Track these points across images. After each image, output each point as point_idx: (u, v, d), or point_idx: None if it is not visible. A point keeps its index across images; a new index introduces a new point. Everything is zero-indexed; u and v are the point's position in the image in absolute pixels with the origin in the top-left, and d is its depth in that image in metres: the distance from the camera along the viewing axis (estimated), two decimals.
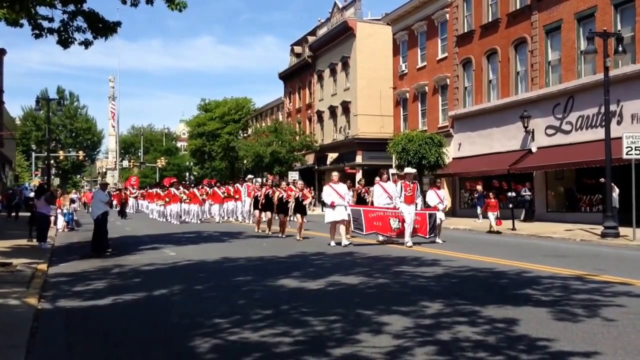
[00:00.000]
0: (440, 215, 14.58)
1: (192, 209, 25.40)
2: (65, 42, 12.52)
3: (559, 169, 22.08)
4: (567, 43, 21.86)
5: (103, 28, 12.40)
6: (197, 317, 6.15)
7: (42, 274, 9.61)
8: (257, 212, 18.81)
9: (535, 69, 23.30)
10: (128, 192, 36.76)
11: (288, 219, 17.70)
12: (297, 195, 16.03)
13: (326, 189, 14.00)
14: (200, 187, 27.11)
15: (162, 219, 27.12)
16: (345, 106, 38.41)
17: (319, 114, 42.72)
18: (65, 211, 21.84)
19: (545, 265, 9.83)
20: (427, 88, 30.57)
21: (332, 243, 13.51)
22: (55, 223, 19.89)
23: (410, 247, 12.80)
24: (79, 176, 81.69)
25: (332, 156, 39.58)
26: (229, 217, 25.92)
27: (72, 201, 24.87)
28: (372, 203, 15.55)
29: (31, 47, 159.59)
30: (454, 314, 5.97)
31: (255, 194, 18.98)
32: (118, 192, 34.56)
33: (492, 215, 18.54)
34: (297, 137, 41.92)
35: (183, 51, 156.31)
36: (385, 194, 14.27)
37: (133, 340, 5.41)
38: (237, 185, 25.87)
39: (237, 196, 25.04)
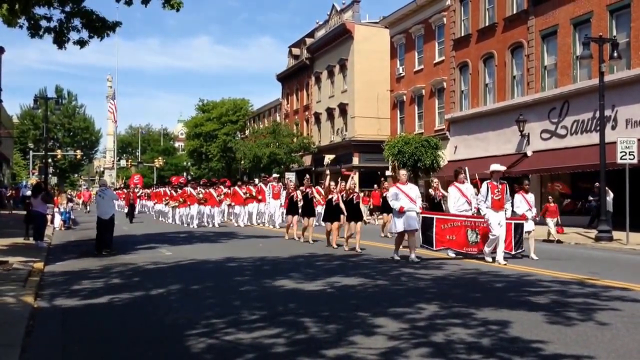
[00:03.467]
0: (528, 226, 11.91)
1: (209, 210, 22.87)
2: (61, 42, 12.52)
3: (554, 172, 22.17)
4: (563, 48, 21.97)
5: (100, 27, 12.40)
6: (193, 316, 6.17)
7: (38, 273, 9.63)
8: (290, 216, 16.37)
9: (532, 74, 23.41)
10: (130, 191, 32.27)
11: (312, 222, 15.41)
12: (350, 197, 13.32)
13: (393, 191, 11.35)
14: (216, 186, 24.29)
15: (174, 222, 24.47)
16: (343, 108, 38.47)
17: (317, 116, 42.77)
18: (62, 210, 21.83)
19: (540, 268, 9.89)
20: (424, 91, 30.65)
21: (397, 256, 11.09)
22: (52, 222, 19.88)
23: (500, 263, 10.41)
24: (76, 175, 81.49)
25: (329, 158, 39.62)
26: (251, 221, 22.91)
27: (70, 200, 24.86)
28: (427, 207, 12.94)
29: (28, 45, 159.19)
30: (449, 316, 6.01)
31: (290, 195, 16.45)
32: (126, 192, 31.16)
33: (551, 222, 16.07)
34: (295, 139, 41.96)
35: (180, 51, 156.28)
36: (463, 197, 11.79)
37: (129, 339, 5.43)
38: (261, 184, 23.14)
39: (260, 197, 22.24)
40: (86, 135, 70.19)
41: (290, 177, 34.10)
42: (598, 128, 17.10)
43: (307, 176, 16.63)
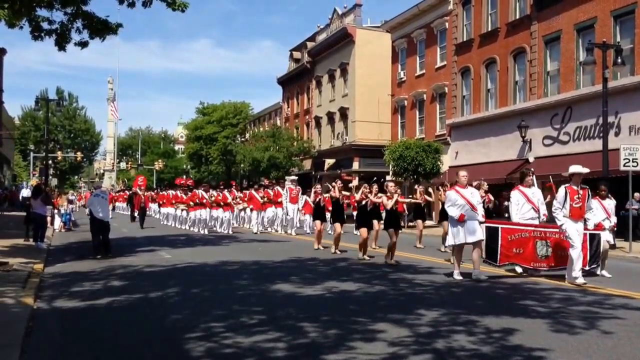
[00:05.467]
0: (606, 236, 10.21)
1: (222, 215, 20.93)
2: (62, 44, 12.50)
3: (556, 179, 22.09)
4: (566, 54, 21.97)
5: (102, 29, 12.40)
6: (192, 320, 6.14)
7: (38, 274, 9.62)
8: (318, 222, 14.89)
9: (534, 79, 23.40)
10: (141, 194, 27.22)
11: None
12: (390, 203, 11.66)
13: (451, 196, 9.53)
14: (229, 189, 22.42)
15: (183, 227, 23.24)
16: (343, 112, 38.48)
17: (317, 120, 42.78)
18: (62, 211, 21.81)
19: (543, 276, 9.82)
20: (425, 96, 30.65)
21: (458, 276, 9.23)
22: (52, 223, 19.85)
23: (584, 284, 8.68)
24: (76, 177, 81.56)
25: (329, 162, 39.61)
26: (267, 227, 21.23)
27: (70, 201, 24.81)
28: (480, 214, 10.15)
29: (29, 46, 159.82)
30: (450, 323, 5.97)
31: (317, 199, 15.21)
32: (129, 193, 28.74)
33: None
34: (295, 143, 41.96)
35: (181, 53, 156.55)
36: (529, 204, 10.09)
37: (127, 341, 5.41)
38: (278, 187, 21.30)
39: (278, 201, 20.53)
40: (87, 137, 70.31)
41: (292, 179, 33.94)
42: (601, 134, 17.05)
43: (339, 180, 15.05)
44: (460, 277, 9.20)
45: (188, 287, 8.45)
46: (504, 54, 24.95)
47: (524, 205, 10.13)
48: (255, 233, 20.13)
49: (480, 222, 9.47)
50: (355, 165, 36.27)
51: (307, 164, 42.44)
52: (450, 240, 9.58)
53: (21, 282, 8.52)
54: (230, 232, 20.42)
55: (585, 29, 21.07)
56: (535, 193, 10.31)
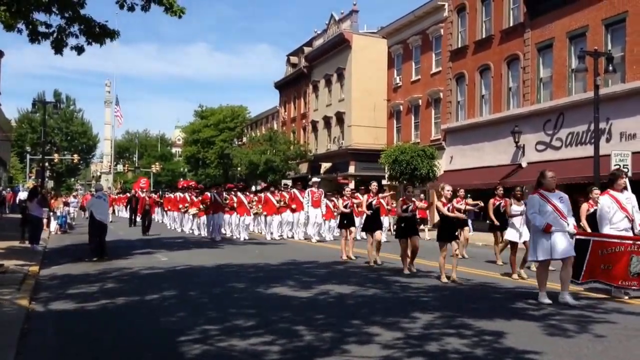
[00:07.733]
0: None
1: (237, 219, 19.24)
2: (58, 48, 12.52)
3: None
4: (559, 61, 22.17)
5: (99, 34, 12.42)
6: (187, 322, 6.19)
7: (33, 276, 9.63)
8: (344, 231, 13.43)
9: (527, 85, 23.59)
10: (145, 196, 24.57)
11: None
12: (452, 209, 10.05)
13: (535, 201, 7.87)
14: (244, 192, 20.68)
15: (195, 232, 21.72)
16: (340, 117, 38.61)
17: (314, 124, 42.89)
18: (58, 214, 21.77)
19: (534, 279, 9.87)
20: (420, 101, 30.81)
21: (545, 299, 7.68)
22: (48, 225, 19.83)
23: None
24: (73, 179, 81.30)
25: (325, 166, 39.69)
26: (283, 234, 19.62)
27: (66, 204, 24.76)
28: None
29: (27, 49, 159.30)
30: (443, 326, 6.03)
31: (345, 203, 13.78)
32: (134, 196, 26.48)
33: None
34: (292, 147, 42.06)
35: (178, 57, 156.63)
36: (622, 212, 8.35)
37: (123, 344, 5.46)
38: (294, 190, 19.61)
39: (293, 205, 19.00)
40: (84, 140, 70.08)
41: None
42: (593, 140, 17.21)
43: (375, 182, 13.51)
44: (549, 301, 7.58)
45: (184, 289, 8.48)
46: (497, 60, 25.14)
47: (617, 213, 8.39)
48: (273, 238, 18.93)
49: (572, 234, 7.90)
50: (351, 169, 36.36)
51: (304, 168, 42.51)
52: (533, 255, 8.01)
53: (17, 284, 8.54)
54: (247, 237, 18.89)
55: (577, 37, 21.28)
56: (630, 199, 8.57)
